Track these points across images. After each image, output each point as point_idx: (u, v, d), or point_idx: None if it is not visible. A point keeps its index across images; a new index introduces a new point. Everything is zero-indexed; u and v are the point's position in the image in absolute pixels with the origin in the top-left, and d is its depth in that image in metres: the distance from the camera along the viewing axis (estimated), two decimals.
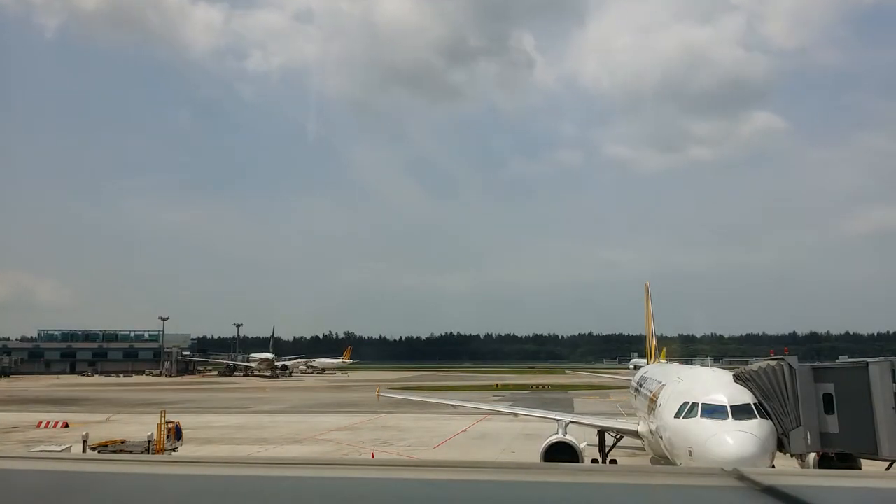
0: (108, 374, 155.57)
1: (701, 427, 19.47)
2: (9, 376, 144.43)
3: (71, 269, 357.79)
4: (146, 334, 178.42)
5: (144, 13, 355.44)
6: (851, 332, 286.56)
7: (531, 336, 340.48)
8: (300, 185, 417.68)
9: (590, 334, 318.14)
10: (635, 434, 31.02)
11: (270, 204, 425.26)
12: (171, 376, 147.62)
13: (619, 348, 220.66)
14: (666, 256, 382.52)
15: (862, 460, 20.34)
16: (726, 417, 19.16)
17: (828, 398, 19.43)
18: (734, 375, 22.09)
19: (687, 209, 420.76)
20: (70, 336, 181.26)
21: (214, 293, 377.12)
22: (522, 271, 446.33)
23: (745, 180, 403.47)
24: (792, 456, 20.78)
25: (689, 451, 19.60)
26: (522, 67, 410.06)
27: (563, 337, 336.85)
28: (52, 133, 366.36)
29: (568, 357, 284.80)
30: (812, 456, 21.04)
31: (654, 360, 48.99)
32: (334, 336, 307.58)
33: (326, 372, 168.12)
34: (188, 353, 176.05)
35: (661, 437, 23.27)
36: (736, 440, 18.31)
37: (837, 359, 47.68)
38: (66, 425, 53.23)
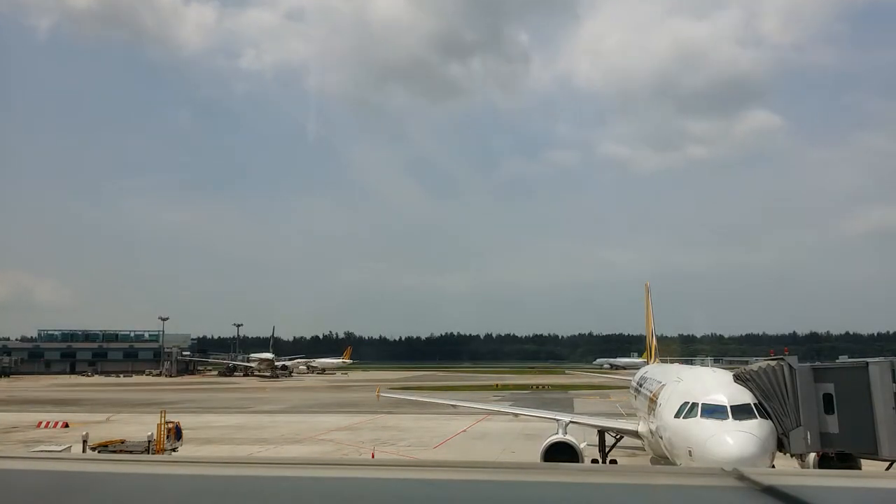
0: (108, 374, 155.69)
1: (701, 427, 19.48)
2: (9, 376, 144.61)
3: (71, 269, 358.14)
4: (146, 334, 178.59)
5: (138, 12, 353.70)
6: (851, 332, 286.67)
7: (531, 336, 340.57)
8: (300, 185, 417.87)
9: (590, 334, 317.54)
10: (635, 434, 31.03)
11: (270, 204, 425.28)
12: (171, 376, 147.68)
13: (619, 348, 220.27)
14: (666, 256, 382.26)
15: (862, 460, 20.36)
16: (726, 417, 19.17)
17: (828, 398, 19.44)
18: (734, 375, 22.09)
19: (687, 209, 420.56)
20: (70, 336, 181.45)
21: (214, 293, 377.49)
22: (522, 271, 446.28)
23: (745, 180, 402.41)
24: (792, 456, 20.79)
25: (689, 451, 19.61)
26: (519, 65, 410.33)
27: (562, 337, 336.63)
28: (52, 133, 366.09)
29: (568, 357, 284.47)
30: (812, 456, 21.05)
31: (655, 360, 49.05)
32: (334, 336, 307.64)
33: (326, 372, 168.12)
34: (188, 353, 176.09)
35: (661, 437, 23.29)
36: (736, 440, 18.32)
37: (837, 359, 47.59)
38: (66, 425, 53.28)
